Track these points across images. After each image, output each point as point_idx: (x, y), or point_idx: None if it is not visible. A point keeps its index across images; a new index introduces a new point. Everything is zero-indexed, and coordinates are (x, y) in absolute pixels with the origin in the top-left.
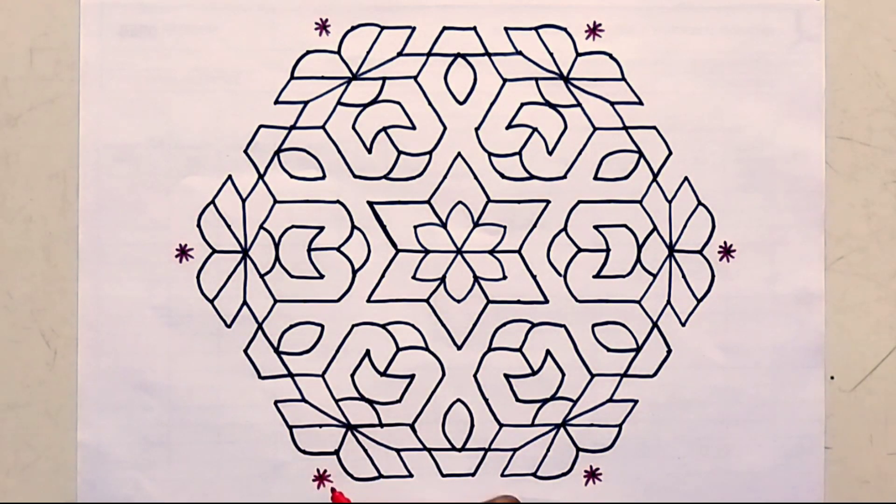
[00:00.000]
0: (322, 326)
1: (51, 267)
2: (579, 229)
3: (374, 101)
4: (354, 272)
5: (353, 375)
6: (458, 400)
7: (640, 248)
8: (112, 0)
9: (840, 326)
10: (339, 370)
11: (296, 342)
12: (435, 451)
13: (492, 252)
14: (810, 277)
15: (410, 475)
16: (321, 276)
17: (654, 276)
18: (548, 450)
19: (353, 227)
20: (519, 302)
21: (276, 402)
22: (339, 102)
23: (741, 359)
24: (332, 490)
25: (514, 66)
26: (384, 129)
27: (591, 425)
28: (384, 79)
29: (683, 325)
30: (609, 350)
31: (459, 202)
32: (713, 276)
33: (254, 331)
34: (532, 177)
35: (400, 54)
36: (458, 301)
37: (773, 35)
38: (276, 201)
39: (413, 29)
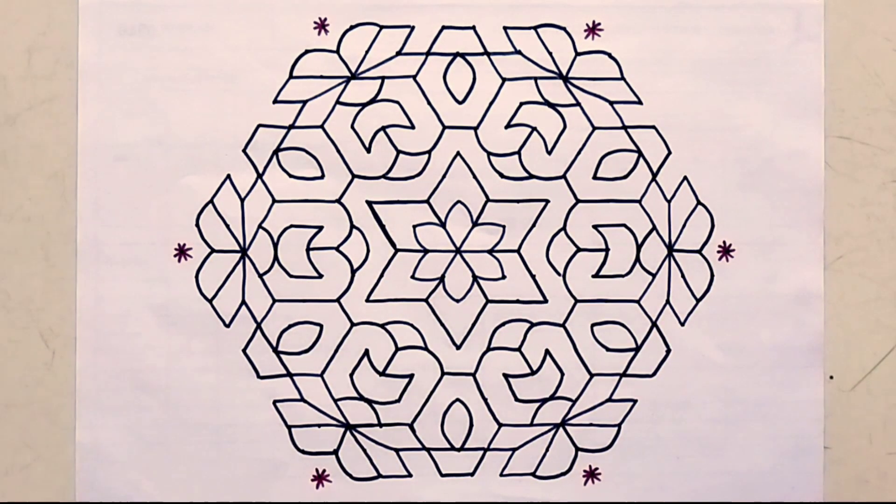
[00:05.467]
0: (321, 326)
1: (49, 267)
2: (578, 229)
3: (373, 101)
4: (353, 272)
5: (352, 375)
6: (457, 400)
7: (639, 247)
8: None
9: (839, 326)
10: (338, 370)
11: (295, 342)
12: (434, 450)
13: (491, 252)
14: (809, 277)
15: (409, 475)
16: (320, 276)
17: (654, 275)
18: (547, 449)
19: (352, 226)
20: (518, 301)
21: (274, 402)
22: (337, 102)
23: (740, 358)
24: None
25: (513, 65)
26: (383, 128)
27: (591, 425)
28: (383, 78)
29: (683, 324)
30: (608, 350)
31: (458, 202)
32: (712, 275)
33: (252, 330)
34: (531, 176)
35: (399, 53)
36: (457, 301)
37: (773, 34)
38: (274, 201)
39: (412, 28)
